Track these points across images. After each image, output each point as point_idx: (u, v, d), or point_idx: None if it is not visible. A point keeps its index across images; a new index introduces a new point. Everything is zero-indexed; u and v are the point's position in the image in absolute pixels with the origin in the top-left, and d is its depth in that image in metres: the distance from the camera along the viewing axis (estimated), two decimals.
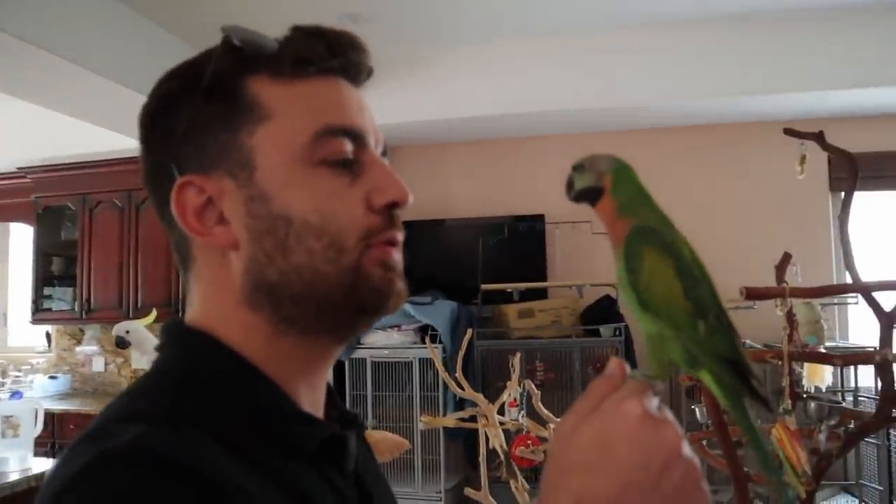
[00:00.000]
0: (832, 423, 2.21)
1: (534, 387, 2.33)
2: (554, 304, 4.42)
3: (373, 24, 3.99)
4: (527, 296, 4.43)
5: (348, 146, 0.63)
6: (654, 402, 0.51)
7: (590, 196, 0.58)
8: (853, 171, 2.11)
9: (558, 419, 2.53)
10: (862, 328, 4.25)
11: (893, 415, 1.88)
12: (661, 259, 0.54)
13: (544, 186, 4.57)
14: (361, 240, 0.62)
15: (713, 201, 4.67)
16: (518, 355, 2.67)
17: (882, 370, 1.83)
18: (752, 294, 2.07)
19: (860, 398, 3.66)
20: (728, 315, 0.54)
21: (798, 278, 2.81)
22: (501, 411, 2.56)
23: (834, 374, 3.45)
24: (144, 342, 2.99)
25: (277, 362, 0.63)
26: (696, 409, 2.68)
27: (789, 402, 1.97)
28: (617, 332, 4.29)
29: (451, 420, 2.54)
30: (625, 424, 0.49)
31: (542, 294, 4.56)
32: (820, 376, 3.11)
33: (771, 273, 2.51)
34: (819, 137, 2.29)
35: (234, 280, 0.63)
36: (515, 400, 2.66)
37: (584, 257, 4.69)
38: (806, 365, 2.77)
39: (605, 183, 0.56)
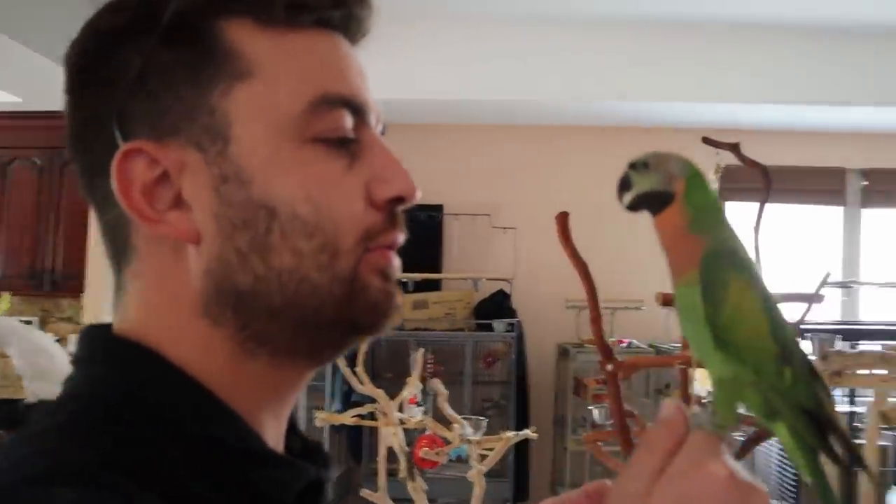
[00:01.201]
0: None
1: (441, 386, 2.24)
2: (449, 296, 4.37)
3: None
4: (421, 287, 4.35)
5: (349, 121, 0.50)
6: (733, 460, 0.42)
7: (653, 202, 0.47)
8: (767, 185, 2.15)
9: (468, 418, 2.47)
10: None
11: None
12: (748, 292, 0.45)
13: (443, 176, 4.50)
14: (360, 242, 0.49)
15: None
16: (421, 350, 2.57)
17: None
18: (668, 300, 2.06)
19: None
20: (810, 360, 0.45)
21: None
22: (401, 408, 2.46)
23: None
24: (9, 339, 2.34)
25: (240, 389, 0.49)
26: (595, 410, 2.69)
27: (695, 408, 1.98)
28: (510, 328, 4.29)
29: (348, 417, 2.41)
30: (712, 490, 0.41)
31: (436, 285, 4.50)
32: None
33: (667, 276, 2.54)
34: (735, 148, 2.32)
35: (190, 282, 0.49)
36: (416, 397, 2.56)
37: (481, 250, 4.66)
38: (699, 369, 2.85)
39: (676, 188, 0.46)
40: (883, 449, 2.64)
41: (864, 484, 1.98)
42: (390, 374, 4.02)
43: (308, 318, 0.49)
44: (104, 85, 0.49)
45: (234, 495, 0.46)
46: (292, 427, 0.57)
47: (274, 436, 0.53)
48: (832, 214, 4.98)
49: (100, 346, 0.51)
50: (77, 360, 0.50)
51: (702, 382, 2.86)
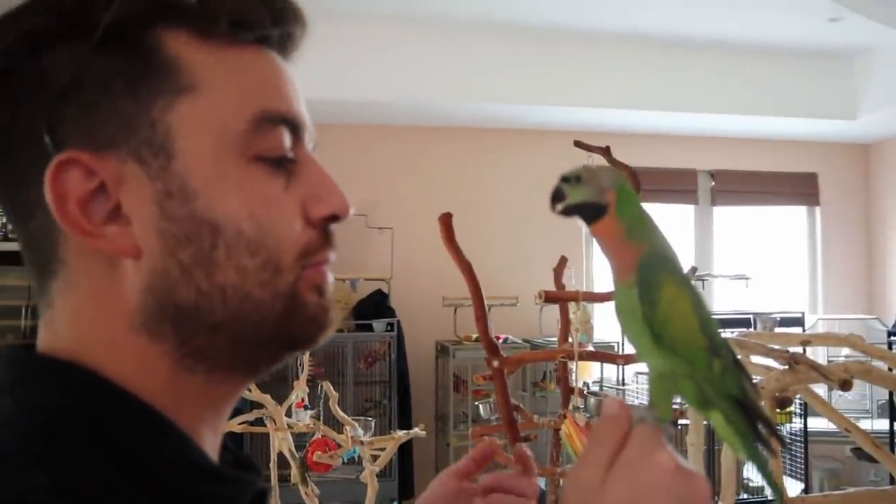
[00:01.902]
0: None
1: (332, 388, 2.24)
2: None
3: None
4: None
5: (287, 139, 0.51)
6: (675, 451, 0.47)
7: (586, 212, 0.52)
8: (636, 186, 2.30)
9: (358, 420, 2.47)
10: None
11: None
12: (680, 292, 0.50)
13: None
14: (298, 258, 0.50)
15: (498, 202, 4.88)
16: (307, 353, 2.56)
17: None
18: (550, 298, 2.16)
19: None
20: (735, 353, 0.51)
21: (573, 281, 3.03)
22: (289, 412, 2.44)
23: (617, 372, 3.76)
24: None
25: (179, 405, 0.49)
26: (480, 406, 2.78)
27: (579, 399, 2.10)
28: (389, 328, 4.32)
29: (235, 425, 2.35)
30: (660, 478, 0.46)
31: None
32: (589, 372, 3.39)
33: (540, 274, 2.64)
34: (606, 152, 2.47)
35: (127, 297, 0.48)
36: (303, 401, 2.55)
37: (358, 251, 4.66)
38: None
39: (608, 200, 0.51)
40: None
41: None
42: (269, 378, 3.95)
43: (249, 333, 0.49)
44: (30, 88, 0.47)
45: None
46: (224, 441, 0.57)
47: (212, 449, 0.52)
48: (686, 212, 5.36)
49: (31, 368, 0.48)
50: (4, 384, 0.48)
51: (580, 374, 3.02)
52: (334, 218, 0.52)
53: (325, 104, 4.29)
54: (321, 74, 4.21)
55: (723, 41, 4.43)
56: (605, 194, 0.51)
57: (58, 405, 0.45)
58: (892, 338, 4.18)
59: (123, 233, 0.47)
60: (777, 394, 2.03)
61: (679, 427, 3.02)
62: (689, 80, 4.57)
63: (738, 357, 0.51)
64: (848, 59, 4.76)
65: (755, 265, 4.99)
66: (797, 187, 5.39)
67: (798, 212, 5.53)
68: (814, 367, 1.96)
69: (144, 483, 0.44)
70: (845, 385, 1.86)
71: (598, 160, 2.49)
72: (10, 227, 3.89)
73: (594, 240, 0.53)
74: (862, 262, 5.45)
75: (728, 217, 5.41)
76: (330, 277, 0.53)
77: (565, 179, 0.53)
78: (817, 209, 5.46)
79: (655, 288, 0.50)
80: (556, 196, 0.53)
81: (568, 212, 0.53)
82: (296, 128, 0.52)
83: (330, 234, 0.52)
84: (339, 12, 3.98)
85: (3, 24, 0.48)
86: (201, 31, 0.49)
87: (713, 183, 5.31)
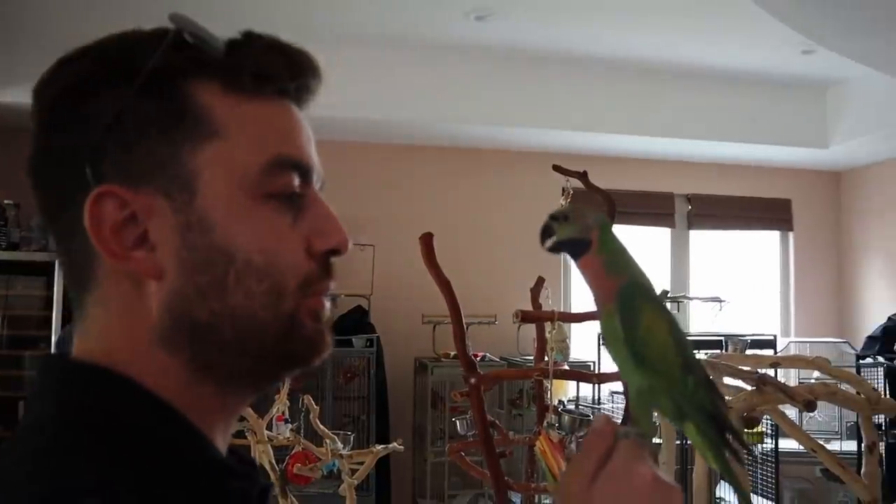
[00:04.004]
0: (581, 434, 2.43)
1: (312, 402, 2.28)
2: None
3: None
4: None
5: (296, 181, 0.57)
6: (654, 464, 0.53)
7: (572, 248, 0.58)
8: (612, 210, 2.37)
9: (337, 433, 2.50)
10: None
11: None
12: (656, 317, 0.56)
13: None
14: (300, 287, 0.56)
15: (478, 221, 4.94)
16: None
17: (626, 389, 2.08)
18: (526, 317, 2.22)
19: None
20: (707, 371, 0.57)
21: (549, 301, 3.09)
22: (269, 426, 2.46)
23: (593, 390, 3.81)
24: None
25: (194, 411, 0.55)
26: (457, 422, 2.83)
27: (553, 416, 2.15)
28: (369, 343, 4.35)
29: None
30: (639, 487, 0.51)
31: None
32: (563, 389, 3.44)
33: (518, 293, 2.69)
34: (583, 176, 2.54)
35: (150, 314, 0.54)
36: (283, 414, 2.58)
37: (339, 267, 4.66)
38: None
39: (592, 237, 0.57)
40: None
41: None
42: None
43: (253, 350, 0.55)
44: (79, 125, 0.53)
45: (214, 500, 0.52)
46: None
47: (222, 451, 0.59)
48: (662, 235, 5.46)
49: (69, 372, 0.54)
50: (43, 387, 0.54)
51: (555, 391, 3.08)
52: (335, 252, 0.58)
53: (311, 121, 4.34)
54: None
55: (700, 69, 4.55)
56: (590, 232, 0.57)
57: (95, 404, 0.52)
58: (861, 361, 4.29)
59: (149, 257, 0.54)
60: (745, 413, 2.10)
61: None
62: (668, 106, 4.69)
63: (710, 376, 0.57)
64: (821, 90, 4.91)
65: (729, 288, 5.09)
66: (771, 212, 5.52)
67: (772, 236, 5.66)
68: (780, 388, 2.03)
69: (171, 475, 0.50)
70: (809, 406, 1.92)
71: (576, 184, 2.56)
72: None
73: (579, 271, 0.59)
74: (833, 286, 5.58)
75: (704, 240, 5.52)
76: (327, 305, 0.59)
77: (554, 218, 0.59)
78: (790, 234, 5.59)
79: (634, 314, 0.56)
80: (546, 232, 0.59)
81: (556, 247, 0.59)
82: (305, 172, 0.58)
83: (330, 266, 0.58)
84: (326, 34, 4.04)
85: (60, 66, 0.55)
86: (228, 84, 0.55)
87: (690, 207, 5.42)
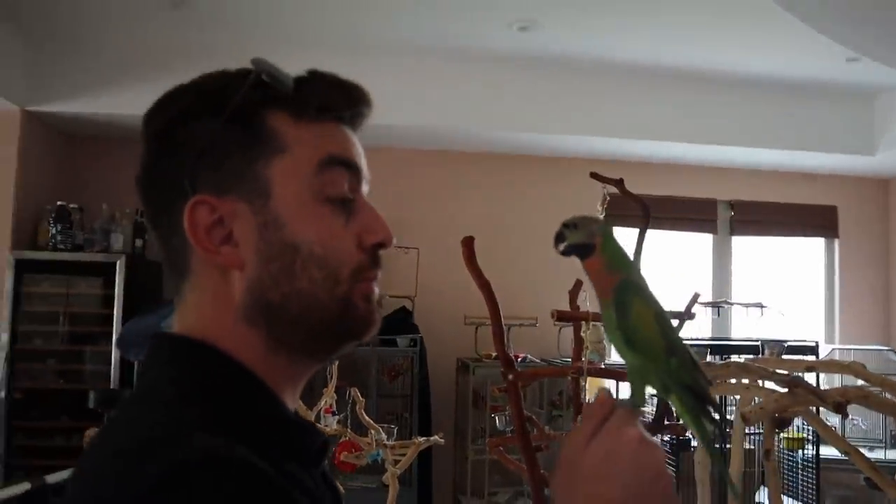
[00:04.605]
0: None
1: (359, 394, 2.41)
2: None
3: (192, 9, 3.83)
4: None
5: (346, 182, 0.70)
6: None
7: (580, 251, 0.70)
8: (646, 216, 2.45)
9: (380, 426, 2.63)
10: None
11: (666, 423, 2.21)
12: (645, 308, 0.67)
13: None
14: (353, 274, 0.69)
15: (520, 226, 5.04)
16: (335, 363, 2.73)
17: None
18: (562, 316, 2.31)
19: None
20: (692, 354, 0.68)
21: (587, 303, 3.17)
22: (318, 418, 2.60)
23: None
24: None
25: (271, 376, 0.68)
26: (496, 417, 2.94)
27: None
28: (412, 343, 4.47)
29: None
30: (628, 445, 0.62)
31: None
32: (599, 388, 3.51)
33: (559, 296, 2.78)
34: (619, 183, 2.63)
35: (234, 297, 0.68)
36: (331, 406, 2.71)
37: (385, 269, 4.80)
38: (588, 378, 3.13)
39: (596, 241, 0.68)
40: (748, 451, 2.97)
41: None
42: None
43: (315, 326, 0.68)
44: (180, 149, 0.68)
45: (283, 451, 0.65)
46: None
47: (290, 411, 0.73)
48: (704, 241, 5.48)
49: (177, 346, 0.68)
50: (158, 358, 0.68)
51: (590, 391, 3.16)
52: (381, 245, 0.72)
53: (363, 128, 4.49)
54: None
55: (745, 77, 4.58)
56: (594, 237, 0.69)
57: (198, 369, 0.66)
58: None
59: (234, 251, 0.68)
60: (776, 414, 2.15)
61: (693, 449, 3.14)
62: (712, 113, 4.73)
63: (695, 357, 0.68)
64: (868, 97, 4.88)
65: (772, 294, 5.08)
66: (817, 219, 5.49)
67: (816, 243, 5.63)
68: (811, 390, 2.08)
69: (258, 427, 0.64)
70: (840, 408, 1.98)
71: (613, 190, 2.63)
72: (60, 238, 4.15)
73: (584, 270, 0.70)
74: (879, 294, 5.53)
75: (746, 246, 5.52)
76: (376, 290, 0.72)
77: (566, 225, 0.70)
78: (836, 241, 5.56)
79: (627, 306, 0.67)
80: (559, 238, 0.71)
81: (567, 251, 0.70)
82: (353, 169, 0.72)
83: (378, 258, 0.72)
84: (378, 46, 4.19)
85: (165, 100, 0.70)
86: (295, 113, 0.70)
87: (732, 213, 5.43)
